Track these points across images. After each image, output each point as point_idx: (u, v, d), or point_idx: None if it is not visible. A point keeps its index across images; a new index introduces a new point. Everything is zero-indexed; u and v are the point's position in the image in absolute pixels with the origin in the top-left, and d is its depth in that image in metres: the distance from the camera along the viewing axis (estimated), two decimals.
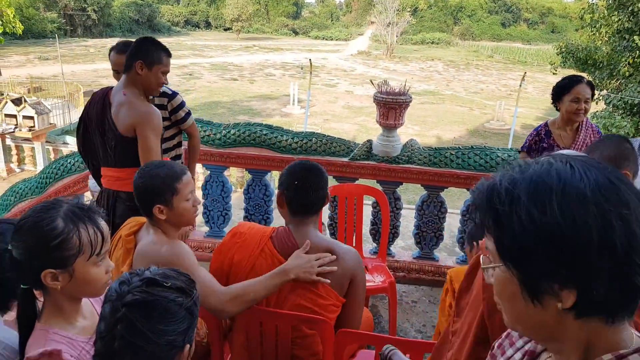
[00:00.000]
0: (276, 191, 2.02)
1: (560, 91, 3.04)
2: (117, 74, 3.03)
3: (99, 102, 2.72)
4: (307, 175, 1.86)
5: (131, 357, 1.13)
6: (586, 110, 2.99)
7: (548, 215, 0.68)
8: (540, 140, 3.14)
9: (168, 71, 2.75)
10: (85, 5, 53.46)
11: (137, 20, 60.98)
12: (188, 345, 1.20)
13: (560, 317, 0.73)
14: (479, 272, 1.30)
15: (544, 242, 0.69)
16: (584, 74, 14.34)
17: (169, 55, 2.75)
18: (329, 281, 1.79)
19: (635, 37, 11.36)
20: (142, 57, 2.62)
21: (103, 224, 1.36)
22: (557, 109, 3.11)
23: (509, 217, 0.71)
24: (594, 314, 0.73)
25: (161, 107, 3.05)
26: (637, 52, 11.40)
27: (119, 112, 2.62)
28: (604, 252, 0.67)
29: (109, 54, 3.17)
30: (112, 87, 2.77)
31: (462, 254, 3.96)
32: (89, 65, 34.77)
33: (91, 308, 1.48)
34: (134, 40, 2.83)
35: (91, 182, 2.87)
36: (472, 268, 1.37)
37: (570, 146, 3.06)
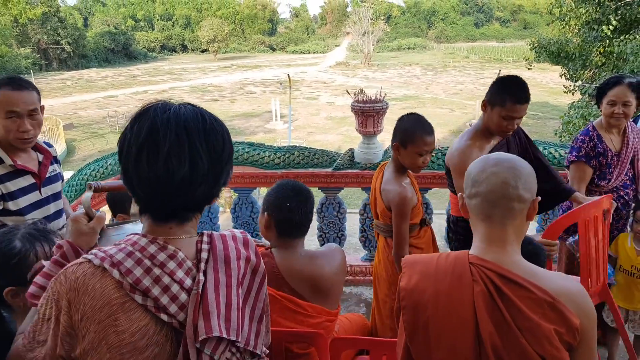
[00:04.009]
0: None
1: (599, 94, 2.87)
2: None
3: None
4: (298, 197, 1.83)
5: None
6: (626, 115, 2.77)
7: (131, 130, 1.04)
8: (595, 146, 2.88)
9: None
10: (59, 38, 53.28)
11: (112, 49, 60.93)
12: None
13: None
14: (397, 292, 1.31)
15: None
16: (557, 67, 14.61)
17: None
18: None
19: (603, 26, 11.61)
20: None
21: (59, 241, 1.46)
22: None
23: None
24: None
25: (56, 159, 2.49)
26: (607, 41, 11.63)
27: None
28: (122, 157, 1.02)
29: None
30: None
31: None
32: (67, 98, 34.53)
33: None
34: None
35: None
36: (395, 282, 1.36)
37: (621, 150, 2.89)
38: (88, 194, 1.35)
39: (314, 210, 4.00)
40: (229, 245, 1.14)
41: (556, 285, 1.21)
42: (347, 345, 1.87)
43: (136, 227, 1.39)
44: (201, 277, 1.06)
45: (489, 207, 1.26)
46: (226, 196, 9.41)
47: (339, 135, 23.77)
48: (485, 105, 2.49)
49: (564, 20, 13.18)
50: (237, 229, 3.96)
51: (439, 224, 4.32)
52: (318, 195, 4.06)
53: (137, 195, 1.04)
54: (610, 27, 11.40)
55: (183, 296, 1.03)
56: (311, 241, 4.86)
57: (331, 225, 3.98)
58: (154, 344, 1.00)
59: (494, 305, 1.19)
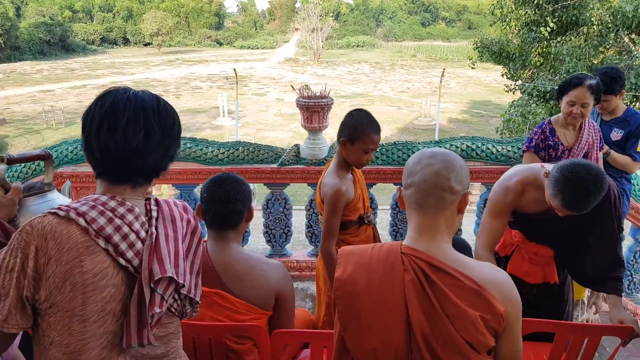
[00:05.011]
0: None
1: (560, 91, 2.98)
2: None
3: None
4: (217, 187, 1.82)
5: None
6: (583, 115, 2.90)
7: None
8: (545, 139, 3.05)
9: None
10: None
11: (48, 41, 57.79)
12: None
13: None
14: (334, 283, 1.35)
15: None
16: (499, 66, 15.11)
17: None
18: None
19: (541, 28, 12.11)
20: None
21: None
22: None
23: None
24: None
25: None
26: (545, 42, 12.16)
27: None
28: (86, 127, 1.20)
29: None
30: None
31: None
32: None
33: None
34: None
35: None
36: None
37: (573, 145, 3.02)
38: (1, 167, 1.42)
39: (260, 206, 3.95)
40: (173, 208, 1.33)
41: (483, 274, 1.25)
42: (287, 338, 1.85)
43: (54, 195, 1.45)
44: (154, 230, 1.23)
45: (422, 196, 1.30)
46: (170, 194, 9.15)
47: (288, 132, 23.69)
48: (546, 175, 2.10)
49: (505, 21, 13.66)
50: None
51: (385, 219, 4.34)
52: (264, 192, 3.99)
53: (95, 159, 1.19)
54: (548, 28, 11.91)
55: (139, 245, 1.19)
56: (258, 238, 4.79)
57: (277, 221, 3.92)
58: (112, 285, 1.14)
59: (424, 293, 1.24)
